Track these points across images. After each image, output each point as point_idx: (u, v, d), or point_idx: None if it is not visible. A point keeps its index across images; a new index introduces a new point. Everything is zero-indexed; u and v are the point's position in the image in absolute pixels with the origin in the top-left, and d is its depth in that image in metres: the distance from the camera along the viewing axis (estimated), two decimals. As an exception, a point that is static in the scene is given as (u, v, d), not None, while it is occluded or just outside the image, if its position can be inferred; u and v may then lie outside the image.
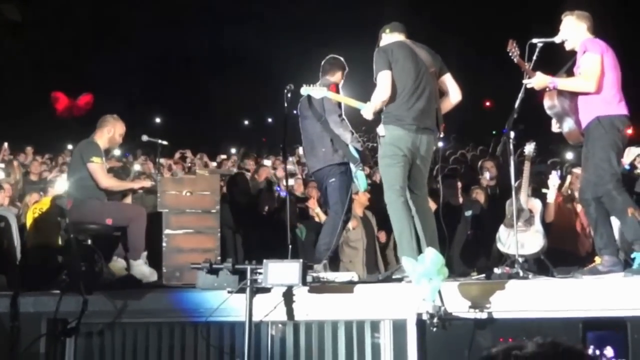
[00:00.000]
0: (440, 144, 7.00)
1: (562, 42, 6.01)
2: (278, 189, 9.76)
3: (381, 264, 8.93)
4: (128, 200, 7.64)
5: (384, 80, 5.80)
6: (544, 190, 7.92)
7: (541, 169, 10.21)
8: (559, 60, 6.25)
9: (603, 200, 5.77)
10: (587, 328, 4.99)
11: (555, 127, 6.18)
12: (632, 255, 5.78)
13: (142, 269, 6.88)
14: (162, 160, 9.32)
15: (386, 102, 5.83)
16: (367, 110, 5.98)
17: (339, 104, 6.80)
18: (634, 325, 4.96)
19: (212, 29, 25.04)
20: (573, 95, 5.95)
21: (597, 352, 4.96)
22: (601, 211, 5.84)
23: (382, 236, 9.06)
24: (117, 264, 7.04)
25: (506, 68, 6.23)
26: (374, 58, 5.89)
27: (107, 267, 6.82)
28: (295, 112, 7.17)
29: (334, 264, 7.15)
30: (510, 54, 5.91)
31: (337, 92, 6.83)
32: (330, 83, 6.88)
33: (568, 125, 6.02)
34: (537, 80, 5.90)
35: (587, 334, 5.00)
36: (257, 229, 8.46)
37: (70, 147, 17.15)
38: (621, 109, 5.82)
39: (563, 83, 5.92)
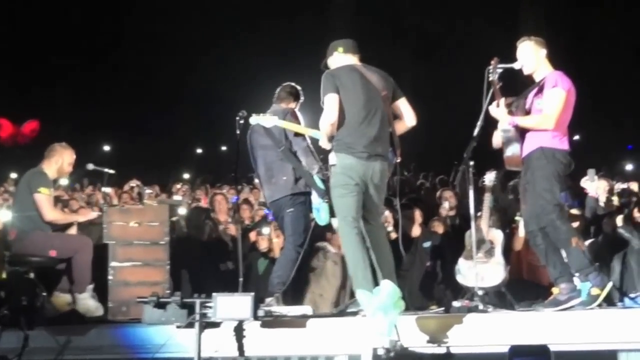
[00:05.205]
0: (406, 174, 6.92)
1: (521, 68, 6.01)
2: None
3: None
4: (73, 230, 7.43)
5: (331, 104, 5.64)
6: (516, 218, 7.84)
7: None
8: (519, 85, 6.25)
9: (547, 230, 5.78)
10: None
11: (496, 143, 6.13)
12: (578, 287, 5.75)
13: (87, 302, 6.72)
14: (108, 190, 9.08)
15: (335, 125, 5.65)
16: (321, 139, 5.83)
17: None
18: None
19: (167, 55, 24.95)
20: None
21: None
22: (549, 240, 5.83)
23: None
24: (60, 298, 6.86)
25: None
26: (322, 81, 5.74)
27: (49, 302, 6.73)
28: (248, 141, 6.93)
29: (294, 295, 6.99)
30: (490, 71, 5.90)
31: (297, 119, 6.66)
32: (288, 111, 6.70)
33: (513, 150, 5.99)
34: (497, 115, 5.93)
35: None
36: (207, 262, 8.28)
37: (13, 175, 16.76)
38: (564, 145, 5.88)
39: (523, 122, 5.91)
